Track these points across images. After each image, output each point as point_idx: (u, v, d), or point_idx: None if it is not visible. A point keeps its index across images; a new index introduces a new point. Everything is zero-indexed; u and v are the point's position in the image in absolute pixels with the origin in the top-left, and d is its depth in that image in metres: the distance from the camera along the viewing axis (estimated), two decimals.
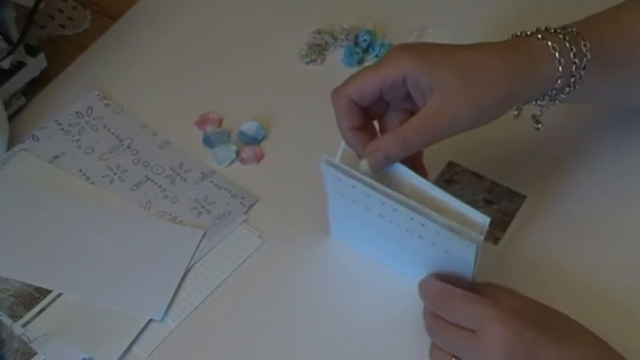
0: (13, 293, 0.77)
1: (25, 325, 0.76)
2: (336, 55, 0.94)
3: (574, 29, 0.73)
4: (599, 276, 0.76)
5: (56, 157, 0.87)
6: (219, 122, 0.89)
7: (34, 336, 0.75)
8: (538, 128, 0.76)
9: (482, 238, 0.67)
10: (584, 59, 0.72)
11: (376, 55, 0.93)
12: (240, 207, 0.83)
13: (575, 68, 0.72)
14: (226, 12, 0.99)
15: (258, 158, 0.87)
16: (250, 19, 0.98)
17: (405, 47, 0.71)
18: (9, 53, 0.88)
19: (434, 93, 0.68)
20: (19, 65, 0.90)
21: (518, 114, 0.75)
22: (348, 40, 0.94)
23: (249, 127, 0.88)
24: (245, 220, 0.82)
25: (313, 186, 0.76)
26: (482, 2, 0.98)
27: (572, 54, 0.71)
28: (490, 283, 0.71)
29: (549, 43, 0.71)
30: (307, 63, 0.94)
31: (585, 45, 0.72)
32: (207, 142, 0.88)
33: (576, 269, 0.77)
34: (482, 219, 0.68)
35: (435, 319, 0.68)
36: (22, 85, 0.91)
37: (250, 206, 0.83)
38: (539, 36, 0.71)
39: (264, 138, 0.88)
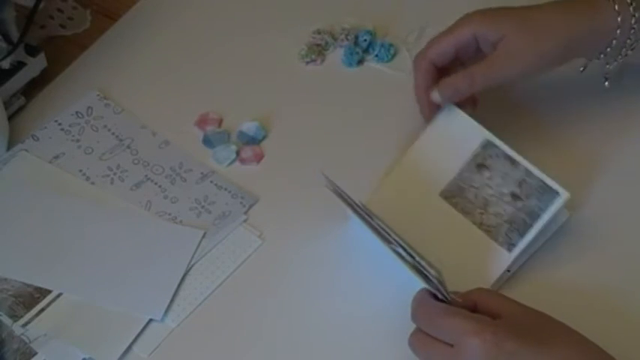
0: (13, 293, 0.77)
1: (25, 325, 0.76)
2: (336, 55, 0.94)
3: None
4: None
5: (56, 157, 0.87)
6: (219, 122, 0.89)
7: (34, 336, 0.75)
8: (606, 84, 0.82)
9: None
10: None
11: (376, 55, 0.93)
12: (240, 207, 0.83)
13: (635, 21, 0.76)
14: (226, 12, 0.99)
15: (258, 158, 0.87)
16: (250, 19, 0.98)
17: (474, 11, 0.80)
18: (9, 53, 0.88)
19: (500, 42, 0.77)
20: (19, 65, 0.90)
21: (584, 69, 0.81)
22: (348, 40, 0.94)
23: (249, 127, 0.88)
24: (245, 220, 0.82)
25: (313, 186, 0.76)
26: (482, 2, 0.98)
27: (631, 8, 0.77)
28: (478, 288, 0.71)
29: (615, 7, 0.77)
30: (307, 63, 0.94)
31: None
32: (207, 142, 0.88)
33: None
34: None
35: (416, 334, 0.69)
36: (22, 85, 0.91)
37: (250, 206, 0.83)
38: None
39: (264, 138, 0.88)
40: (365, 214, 0.72)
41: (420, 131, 0.81)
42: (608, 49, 0.78)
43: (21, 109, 0.91)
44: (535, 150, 0.79)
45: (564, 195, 0.74)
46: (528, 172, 0.76)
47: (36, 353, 0.74)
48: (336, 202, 0.75)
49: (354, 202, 0.73)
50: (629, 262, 0.78)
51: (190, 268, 0.79)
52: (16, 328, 0.76)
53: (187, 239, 0.80)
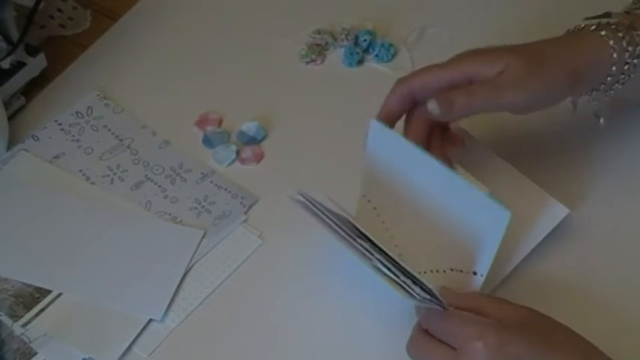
0: (13, 293, 0.77)
1: (25, 325, 0.76)
2: (336, 55, 0.94)
3: (626, 21, 0.77)
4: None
5: (56, 157, 0.87)
6: (219, 122, 0.89)
7: (34, 336, 0.75)
8: (598, 122, 0.79)
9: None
10: (638, 47, 0.75)
11: (376, 55, 0.93)
12: (240, 207, 0.83)
13: (629, 56, 0.75)
14: (226, 12, 0.99)
15: (258, 158, 0.87)
16: (250, 19, 0.98)
17: (470, 51, 0.75)
18: (9, 53, 0.88)
19: (504, 71, 0.72)
20: (19, 65, 0.90)
21: (574, 108, 0.79)
22: (348, 40, 0.94)
23: (249, 127, 0.88)
24: (245, 220, 0.82)
25: (313, 186, 0.76)
26: (482, 2, 0.98)
27: (624, 42, 0.75)
28: (478, 293, 0.71)
29: (602, 33, 0.75)
30: (307, 63, 0.94)
31: (638, 35, 0.75)
32: (207, 142, 0.88)
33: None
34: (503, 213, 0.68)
35: (414, 340, 0.69)
36: (22, 85, 0.91)
37: (250, 206, 0.83)
38: (593, 28, 0.76)
39: (264, 138, 0.88)
40: (345, 233, 0.71)
41: None
42: (602, 85, 0.76)
43: (21, 109, 0.91)
44: (533, 149, 0.79)
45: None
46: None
47: (36, 353, 0.74)
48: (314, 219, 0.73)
49: (335, 221, 0.71)
50: (629, 261, 0.78)
51: (190, 268, 0.79)
52: (16, 328, 0.76)
53: (187, 239, 0.80)
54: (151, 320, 0.76)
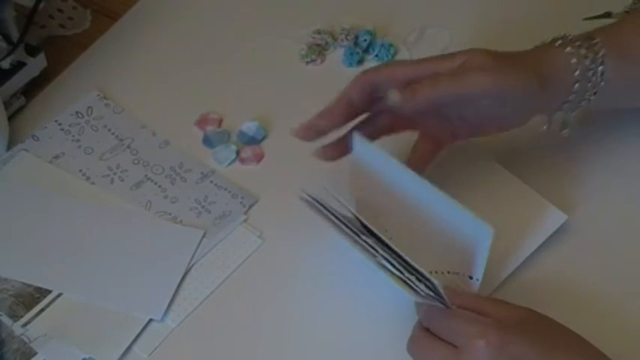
0: (13, 293, 0.77)
1: (25, 325, 0.76)
2: (336, 55, 0.94)
3: (592, 36, 0.76)
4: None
5: (56, 157, 0.87)
6: (219, 122, 0.89)
7: (34, 336, 0.75)
8: (565, 133, 0.78)
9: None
10: (599, 55, 0.74)
11: (376, 55, 0.93)
12: (240, 207, 0.83)
13: (590, 62, 0.74)
14: (226, 12, 0.99)
15: (258, 158, 0.87)
16: (250, 19, 0.98)
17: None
18: (9, 53, 0.88)
19: (469, 58, 0.72)
20: (19, 65, 0.90)
21: (548, 127, 0.77)
22: (348, 40, 0.94)
23: (249, 127, 0.88)
24: (245, 220, 0.82)
25: (313, 186, 0.76)
26: (482, 2, 0.98)
27: (588, 60, 0.74)
28: (478, 296, 0.71)
29: (566, 50, 0.74)
30: (307, 63, 0.94)
31: (597, 42, 0.74)
32: (207, 142, 0.88)
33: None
34: (486, 229, 0.67)
35: (415, 339, 0.69)
36: (22, 85, 0.91)
37: (250, 206, 0.83)
38: (557, 43, 0.75)
39: (264, 138, 0.88)
40: (351, 231, 0.71)
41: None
42: (572, 95, 0.75)
43: (21, 109, 0.91)
44: (530, 154, 0.79)
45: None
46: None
47: (36, 353, 0.74)
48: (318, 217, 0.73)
49: (339, 218, 0.72)
50: (627, 262, 0.78)
51: (190, 268, 0.79)
52: (16, 328, 0.76)
53: (187, 239, 0.80)
54: (151, 320, 0.76)
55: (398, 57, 0.93)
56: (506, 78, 0.71)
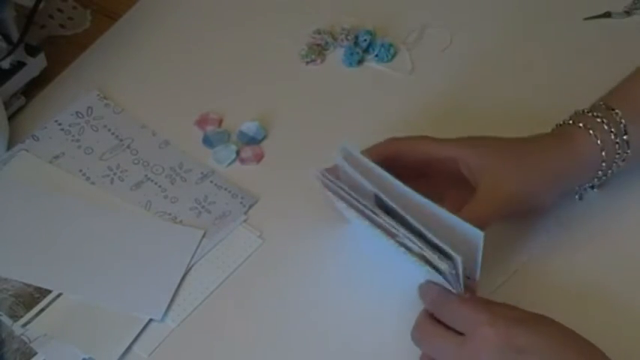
0: (13, 293, 0.77)
1: (25, 325, 0.76)
2: (336, 55, 0.94)
3: (611, 106, 0.75)
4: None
5: (56, 157, 0.87)
6: (219, 122, 0.89)
7: (34, 336, 0.75)
8: (580, 198, 0.80)
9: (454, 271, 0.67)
10: (621, 125, 0.75)
11: (376, 55, 0.93)
12: (240, 207, 0.83)
13: (614, 136, 0.74)
14: (226, 12, 0.99)
15: (258, 158, 0.87)
16: (250, 19, 0.98)
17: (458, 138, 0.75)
18: (9, 53, 0.88)
19: (485, 174, 0.72)
20: (19, 65, 0.90)
21: (580, 198, 0.79)
22: (348, 40, 0.94)
23: (249, 127, 0.88)
24: (245, 220, 0.82)
25: (313, 186, 0.76)
26: (482, 2, 0.98)
27: (605, 126, 0.74)
28: (481, 298, 0.71)
29: (581, 125, 0.74)
30: (307, 63, 0.94)
31: (617, 113, 0.75)
32: (207, 142, 0.88)
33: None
34: (476, 234, 0.66)
35: (420, 326, 0.68)
36: (22, 85, 0.91)
37: (250, 206, 0.83)
38: (580, 125, 0.75)
39: (264, 138, 0.88)
40: (370, 211, 0.70)
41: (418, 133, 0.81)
42: (595, 180, 0.77)
43: (21, 109, 0.91)
44: None
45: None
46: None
47: (36, 353, 0.74)
48: (332, 202, 0.73)
49: (357, 199, 0.71)
50: (629, 260, 0.78)
51: (190, 268, 0.79)
52: (16, 328, 0.76)
53: (187, 239, 0.80)
54: (150, 320, 0.76)
55: (398, 57, 0.93)
56: (531, 195, 0.74)
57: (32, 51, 0.91)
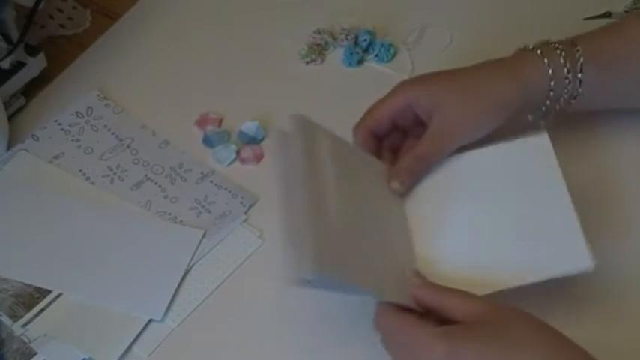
0: (13, 293, 0.78)
1: (25, 325, 0.76)
2: (336, 55, 0.94)
3: (575, 42, 0.77)
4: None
5: (56, 157, 0.87)
6: (219, 122, 0.89)
7: (34, 336, 0.75)
8: (541, 123, 0.79)
9: None
10: (578, 63, 0.76)
11: (376, 55, 0.93)
12: (240, 207, 0.83)
13: (567, 71, 0.76)
14: (226, 12, 0.99)
15: (258, 158, 0.87)
16: (250, 19, 0.98)
17: (407, 79, 0.79)
18: (9, 53, 0.88)
19: (436, 112, 0.75)
20: (19, 65, 0.90)
21: (532, 120, 0.79)
22: (348, 40, 0.94)
23: (249, 127, 0.88)
24: (245, 220, 0.82)
25: None
26: (482, 2, 0.98)
27: (562, 59, 0.76)
28: (441, 288, 0.69)
29: (539, 52, 0.76)
30: (307, 63, 0.94)
31: (578, 50, 0.76)
32: (207, 142, 0.88)
33: None
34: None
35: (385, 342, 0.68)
36: (22, 85, 0.91)
37: (250, 206, 0.83)
38: (531, 47, 0.77)
39: (264, 138, 0.88)
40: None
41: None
42: (548, 101, 0.77)
43: (21, 109, 0.91)
44: None
45: None
46: None
47: (36, 353, 0.74)
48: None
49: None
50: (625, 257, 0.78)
51: (190, 268, 0.79)
52: (16, 328, 0.76)
53: (187, 239, 0.80)
54: (151, 320, 0.76)
55: (398, 57, 0.93)
56: (477, 126, 0.76)
57: (32, 51, 0.91)
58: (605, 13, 0.94)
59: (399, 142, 0.80)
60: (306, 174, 0.68)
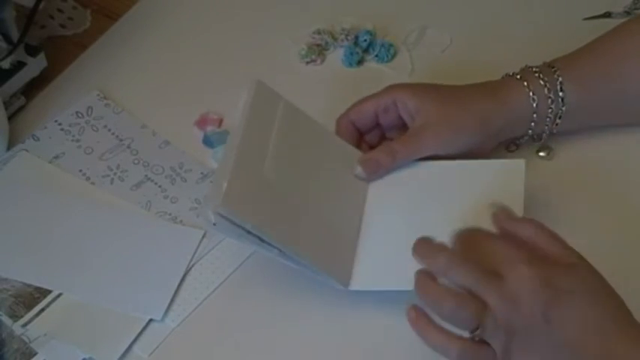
0: (13, 293, 0.77)
1: (25, 325, 0.76)
2: (336, 55, 0.94)
3: (552, 64, 0.81)
4: None
5: (56, 157, 0.87)
6: (219, 122, 0.89)
7: (34, 336, 0.75)
8: (541, 154, 0.83)
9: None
10: (557, 82, 0.79)
11: (376, 55, 0.93)
12: None
13: (548, 91, 0.79)
14: (226, 12, 0.99)
15: None
16: (250, 19, 0.98)
17: (398, 83, 0.82)
18: (9, 53, 0.88)
19: (418, 115, 0.78)
20: (19, 65, 0.90)
21: (517, 148, 0.83)
22: (348, 40, 0.94)
23: None
24: None
25: None
26: (482, 2, 0.98)
27: (541, 80, 0.79)
28: (533, 222, 0.67)
29: (518, 77, 0.80)
30: (307, 63, 0.94)
31: (555, 70, 0.80)
32: (207, 142, 0.88)
33: None
34: None
35: (422, 277, 0.64)
36: (22, 85, 0.91)
37: None
38: (518, 76, 0.80)
39: None
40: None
41: None
42: (533, 124, 0.80)
43: (21, 109, 0.91)
44: None
45: None
46: None
47: (36, 353, 0.74)
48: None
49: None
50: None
51: (190, 268, 0.79)
52: (16, 328, 0.76)
53: (187, 239, 0.80)
54: (151, 320, 0.76)
55: (398, 57, 0.93)
56: (456, 136, 0.78)
57: (32, 51, 0.91)
58: (605, 13, 0.94)
59: (379, 140, 0.83)
60: (246, 126, 0.74)
